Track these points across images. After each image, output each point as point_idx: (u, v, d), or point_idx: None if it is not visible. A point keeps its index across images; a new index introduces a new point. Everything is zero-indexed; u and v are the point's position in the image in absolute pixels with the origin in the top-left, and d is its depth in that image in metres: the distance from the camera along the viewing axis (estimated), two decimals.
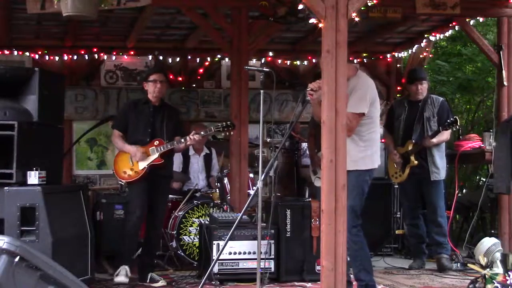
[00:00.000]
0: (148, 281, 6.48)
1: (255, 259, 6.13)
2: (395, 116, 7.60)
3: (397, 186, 8.50)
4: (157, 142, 6.53)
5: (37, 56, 9.21)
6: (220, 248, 6.38)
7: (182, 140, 6.49)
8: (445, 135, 7.30)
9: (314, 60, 9.60)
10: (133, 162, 6.53)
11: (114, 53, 9.48)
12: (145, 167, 6.49)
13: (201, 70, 9.82)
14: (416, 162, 7.30)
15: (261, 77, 5.42)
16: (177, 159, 8.29)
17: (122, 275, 6.42)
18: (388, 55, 10.16)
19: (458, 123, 7.16)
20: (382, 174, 8.60)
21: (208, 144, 8.59)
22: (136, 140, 6.61)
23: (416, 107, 7.43)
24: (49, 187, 5.63)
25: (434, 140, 7.21)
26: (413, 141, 7.35)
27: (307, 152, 8.21)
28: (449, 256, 7.38)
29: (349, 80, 5.16)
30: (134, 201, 6.60)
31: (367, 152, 5.44)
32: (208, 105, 9.77)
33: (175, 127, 6.68)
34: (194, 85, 9.79)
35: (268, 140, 9.16)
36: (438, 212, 7.34)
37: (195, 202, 7.56)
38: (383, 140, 8.76)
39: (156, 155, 6.49)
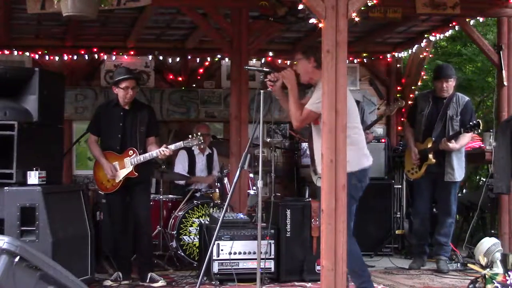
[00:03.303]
0: (148, 280, 6.51)
1: (255, 259, 6.13)
2: (418, 110, 7.53)
3: (397, 186, 8.50)
4: (131, 152, 6.54)
5: (37, 56, 9.21)
6: (219, 247, 6.43)
7: (154, 154, 6.48)
8: (467, 138, 7.22)
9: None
10: None
11: (114, 53, 9.47)
12: (121, 180, 6.56)
13: (201, 70, 9.82)
14: (433, 160, 7.22)
15: (261, 77, 5.41)
16: (183, 160, 8.31)
17: (110, 280, 6.50)
18: (388, 55, 10.16)
19: (481, 127, 7.07)
20: (382, 174, 8.61)
21: (209, 144, 8.60)
22: (108, 146, 6.65)
23: (441, 104, 7.35)
24: (49, 187, 5.64)
25: (450, 144, 7.10)
26: (433, 139, 7.29)
27: (307, 152, 8.21)
28: (449, 257, 7.38)
29: (318, 82, 5.32)
30: (115, 212, 6.70)
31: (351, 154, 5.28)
32: (208, 105, 9.76)
33: (148, 128, 6.66)
34: (194, 85, 9.79)
35: (268, 140, 9.16)
36: (450, 213, 7.31)
37: (195, 202, 7.57)
38: (383, 140, 8.77)
39: (130, 168, 6.52)
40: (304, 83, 5.55)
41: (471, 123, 7.06)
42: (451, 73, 7.43)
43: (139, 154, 6.51)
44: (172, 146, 6.56)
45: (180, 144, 6.63)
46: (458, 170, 7.27)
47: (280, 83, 5.40)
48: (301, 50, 5.66)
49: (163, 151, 6.43)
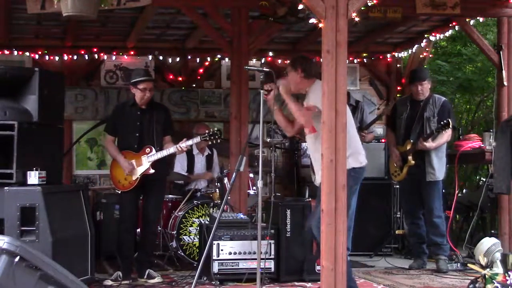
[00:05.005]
0: (145, 276, 6.59)
1: (255, 259, 6.13)
2: (397, 115, 7.62)
3: (397, 186, 8.50)
4: (148, 149, 6.59)
5: (37, 56, 9.20)
6: (219, 247, 6.43)
7: (172, 150, 6.54)
8: (445, 137, 7.28)
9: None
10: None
11: (114, 53, 9.47)
12: (138, 178, 6.57)
13: (201, 70, 9.82)
14: (413, 162, 7.32)
15: (261, 77, 5.45)
16: (182, 159, 8.31)
17: (110, 280, 6.50)
18: (388, 55, 10.16)
19: (451, 125, 7.10)
20: (382, 174, 8.61)
21: (209, 145, 8.59)
22: (125, 145, 6.69)
23: (418, 106, 7.44)
24: (49, 187, 5.64)
25: (427, 144, 7.18)
26: (411, 141, 7.36)
27: (307, 152, 8.21)
28: (448, 256, 7.37)
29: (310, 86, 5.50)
30: (126, 210, 6.71)
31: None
32: (208, 105, 9.76)
33: (164, 128, 6.73)
34: (194, 85, 9.79)
35: (268, 140, 9.16)
36: (434, 212, 7.33)
37: (195, 202, 7.57)
38: (383, 140, 8.77)
39: (147, 165, 6.55)
40: (294, 93, 5.66)
41: (441, 123, 7.13)
42: (425, 76, 7.53)
43: (156, 152, 6.55)
44: (190, 141, 6.62)
45: (197, 139, 6.70)
46: (439, 169, 7.32)
47: (275, 92, 5.47)
48: (288, 63, 5.79)
49: (181, 147, 6.47)
